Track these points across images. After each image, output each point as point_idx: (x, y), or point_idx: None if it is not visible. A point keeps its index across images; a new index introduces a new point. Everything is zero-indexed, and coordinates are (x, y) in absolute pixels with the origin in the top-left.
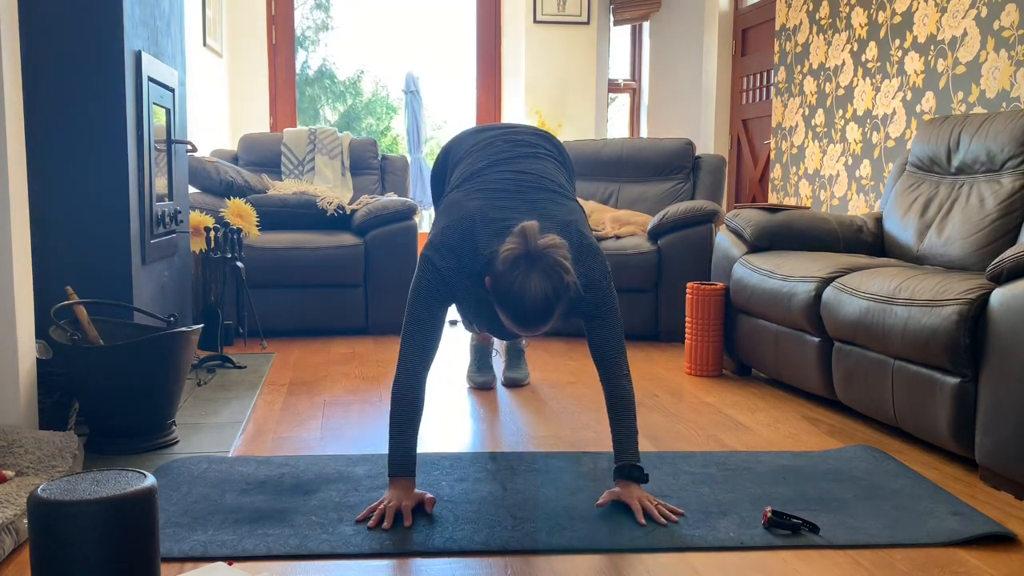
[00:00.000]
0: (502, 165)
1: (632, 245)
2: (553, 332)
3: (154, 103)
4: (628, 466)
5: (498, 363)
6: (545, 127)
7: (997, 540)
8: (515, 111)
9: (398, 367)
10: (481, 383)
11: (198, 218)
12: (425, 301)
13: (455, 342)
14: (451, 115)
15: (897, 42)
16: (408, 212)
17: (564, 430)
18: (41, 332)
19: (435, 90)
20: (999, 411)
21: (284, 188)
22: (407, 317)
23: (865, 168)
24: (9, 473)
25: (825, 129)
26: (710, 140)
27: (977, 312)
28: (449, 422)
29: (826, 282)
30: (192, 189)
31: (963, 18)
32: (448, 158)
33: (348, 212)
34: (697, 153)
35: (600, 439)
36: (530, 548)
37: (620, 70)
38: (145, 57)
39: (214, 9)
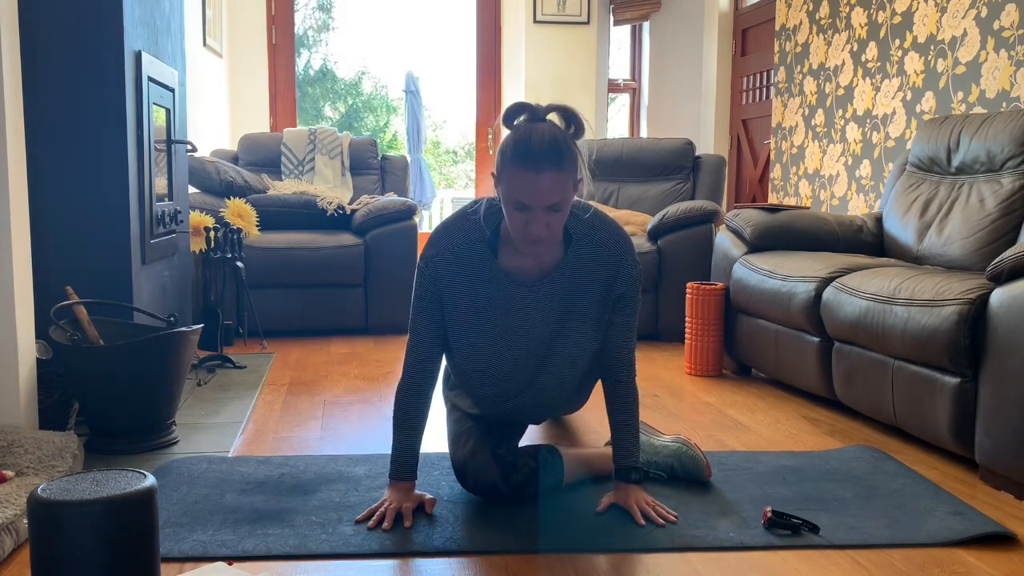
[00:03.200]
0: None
1: None
2: None
3: (154, 103)
4: (626, 467)
5: None
6: None
7: (997, 540)
8: None
9: (402, 374)
10: None
11: (198, 218)
12: (420, 302)
13: None
14: (451, 115)
15: (897, 42)
16: (408, 212)
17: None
18: (41, 332)
19: (435, 90)
20: (999, 411)
21: (284, 188)
22: (410, 325)
23: (865, 168)
24: (9, 473)
25: (825, 129)
26: (710, 140)
27: (977, 312)
28: None
29: (826, 282)
30: (192, 189)
31: (963, 18)
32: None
33: (348, 212)
34: (697, 153)
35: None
36: (530, 548)
37: (620, 70)
38: (145, 57)
39: (214, 9)
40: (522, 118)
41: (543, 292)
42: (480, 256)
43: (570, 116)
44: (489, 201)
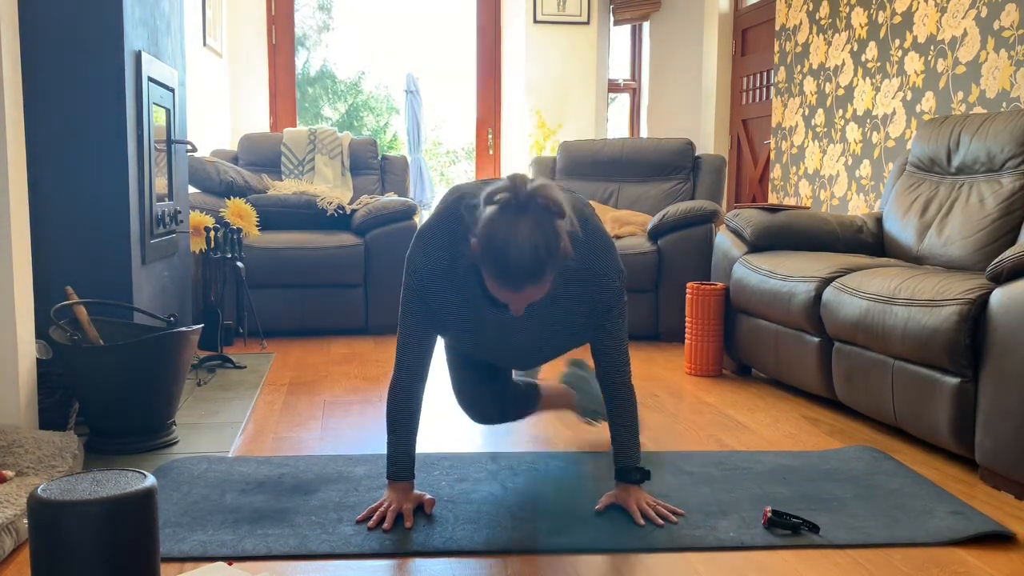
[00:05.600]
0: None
1: (632, 245)
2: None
3: (154, 103)
4: (627, 468)
5: None
6: (545, 128)
7: (997, 540)
8: (515, 111)
9: (393, 373)
10: None
11: (198, 218)
12: (408, 304)
13: None
14: (451, 115)
15: (897, 42)
16: (408, 212)
17: (565, 430)
18: (41, 332)
19: (435, 90)
20: (999, 411)
21: (284, 188)
22: (399, 325)
23: (865, 168)
24: (9, 473)
25: (825, 129)
26: (710, 140)
27: (977, 312)
28: (449, 422)
29: (826, 282)
30: (192, 189)
31: (963, 18)
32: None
33: (348, 212)
34: (697, 153)
35: (601, 440)
36: (530, 548)
37: (620, 70)
38: (145, 57)
39: (214, 9)
40: (503, 195)
41: (527, 312)
42: (464, 276)
43: (553, 201)
44: (467, 206)
